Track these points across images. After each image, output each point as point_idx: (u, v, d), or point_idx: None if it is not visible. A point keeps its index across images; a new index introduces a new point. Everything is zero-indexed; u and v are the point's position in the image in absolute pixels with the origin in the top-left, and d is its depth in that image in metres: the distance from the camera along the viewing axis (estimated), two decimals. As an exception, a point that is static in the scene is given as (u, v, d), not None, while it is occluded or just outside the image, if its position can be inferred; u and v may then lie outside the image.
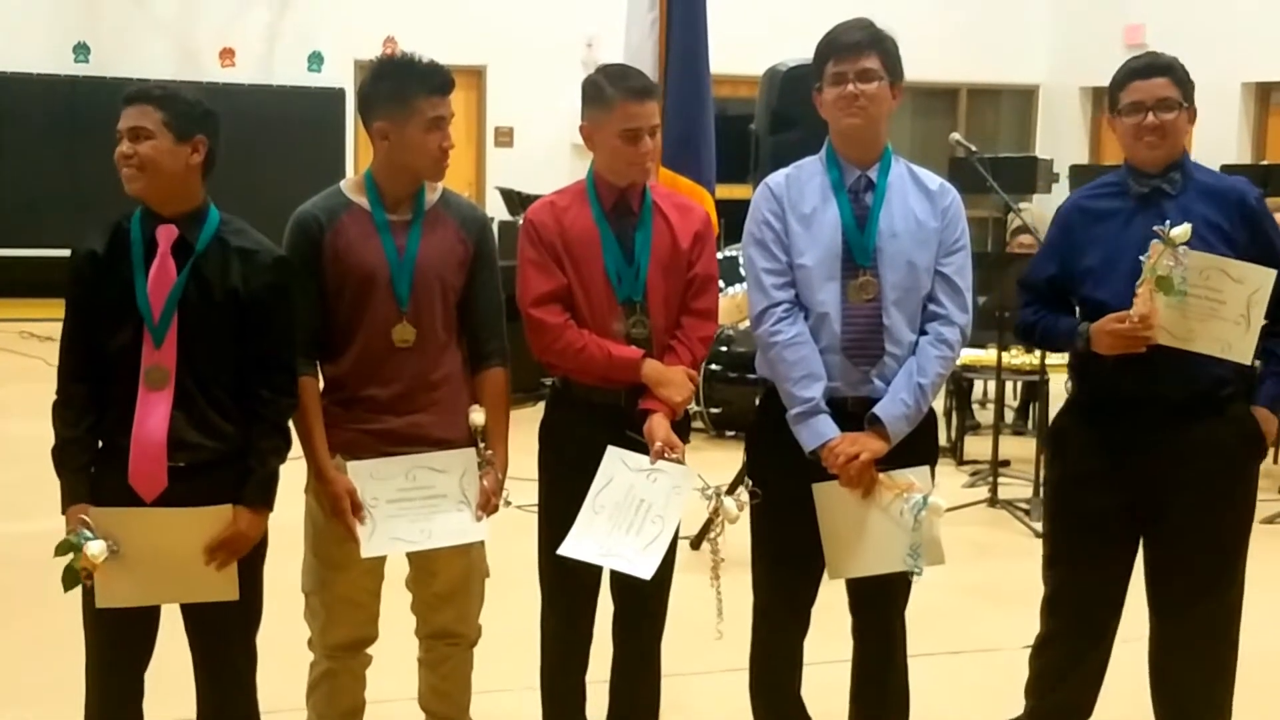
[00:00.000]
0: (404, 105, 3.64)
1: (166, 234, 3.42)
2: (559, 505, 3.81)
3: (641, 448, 3.75)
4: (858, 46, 3.72)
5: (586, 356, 3.80)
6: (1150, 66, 3.83)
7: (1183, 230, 3.63)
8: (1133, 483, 3.85)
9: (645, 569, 3.64)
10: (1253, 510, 3.95)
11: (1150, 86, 3.80)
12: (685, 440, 3.89)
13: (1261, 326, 3.69)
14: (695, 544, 3.96)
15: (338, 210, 3.73)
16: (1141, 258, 3.67)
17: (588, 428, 3.82)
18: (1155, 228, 3.66)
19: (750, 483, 3.63)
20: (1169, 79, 3.79)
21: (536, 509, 3.96)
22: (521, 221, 3.90)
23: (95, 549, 3.30)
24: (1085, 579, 3.98)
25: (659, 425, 3.76)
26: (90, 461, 3.44)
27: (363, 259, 3.70)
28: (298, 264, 3.65)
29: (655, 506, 3.69)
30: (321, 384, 3.79)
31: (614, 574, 3.82)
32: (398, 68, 3.69)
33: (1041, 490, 4.17)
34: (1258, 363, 3.86)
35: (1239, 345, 3.68)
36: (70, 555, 3.30)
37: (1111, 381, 3.84)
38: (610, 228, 3.85)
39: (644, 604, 3.95)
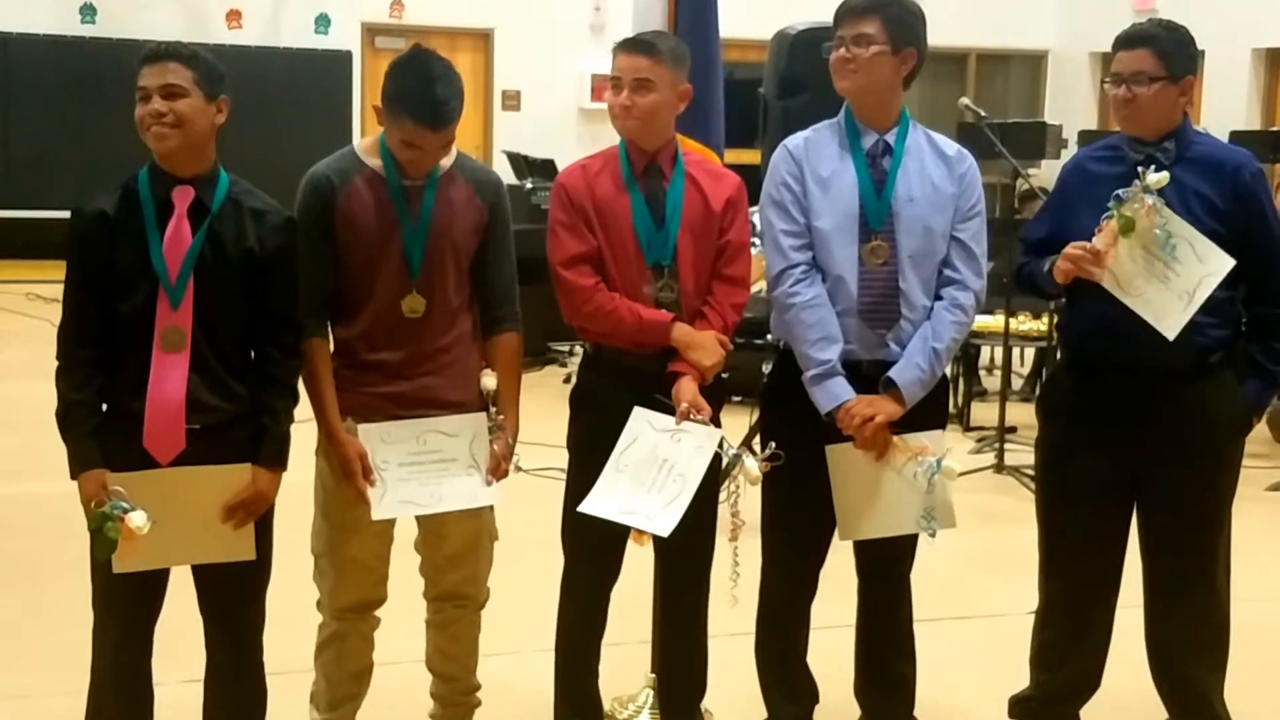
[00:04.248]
0: (390, 113, 3.61)
1: (182, 195, 3.40)
2: (588, 473, 3.79)
3: (669, 411, 3.74)
4: (855, 10, 3.75)
5: (616, 319, 3.79)
6: (1131, 38, 3.80)
7: (1159, 178, 3.63)
8: (1121, 449, 3.85)
9: (664, 526, 3.63)
10: (1236, 478, 3.95)
11: (1128, 58, 3.77)
12: (717, 406, 3.88)
13: (1240, 319, 3.77)
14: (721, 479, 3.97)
15: (350, 172, 3.71)
16: (1111, 202, 3.67)
17: (619, 393, 3.81)
18: (1139, 168, 3.66)
19: (775, 445, 3.63)
20: (1148, 50, 3.74)
21: (545, 474, 3.96)
22: (552, 186, 3.91)
23: (139, 520, 3.26)
24: (1079, 551, 3.97)
25: (686, 387, 3.76)
26: (97, 425, 3.41)
27: (375, 224, 3.68)
28: (310, 225, 3.64)
29: (678, 466, 3.68)
30: (331, 346, 3.78)
31: (657, 541, 3.79)
32: (408, 74, 3.61)
33: (1034, 454, 4.16)
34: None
35: (1171, 320, 3.68)
36: (106, 525, 3.25)
37: (1099, 346, 3.85)
38: (640, 191, 3.84)
39: (689, 570, 3.96)
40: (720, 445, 3.71)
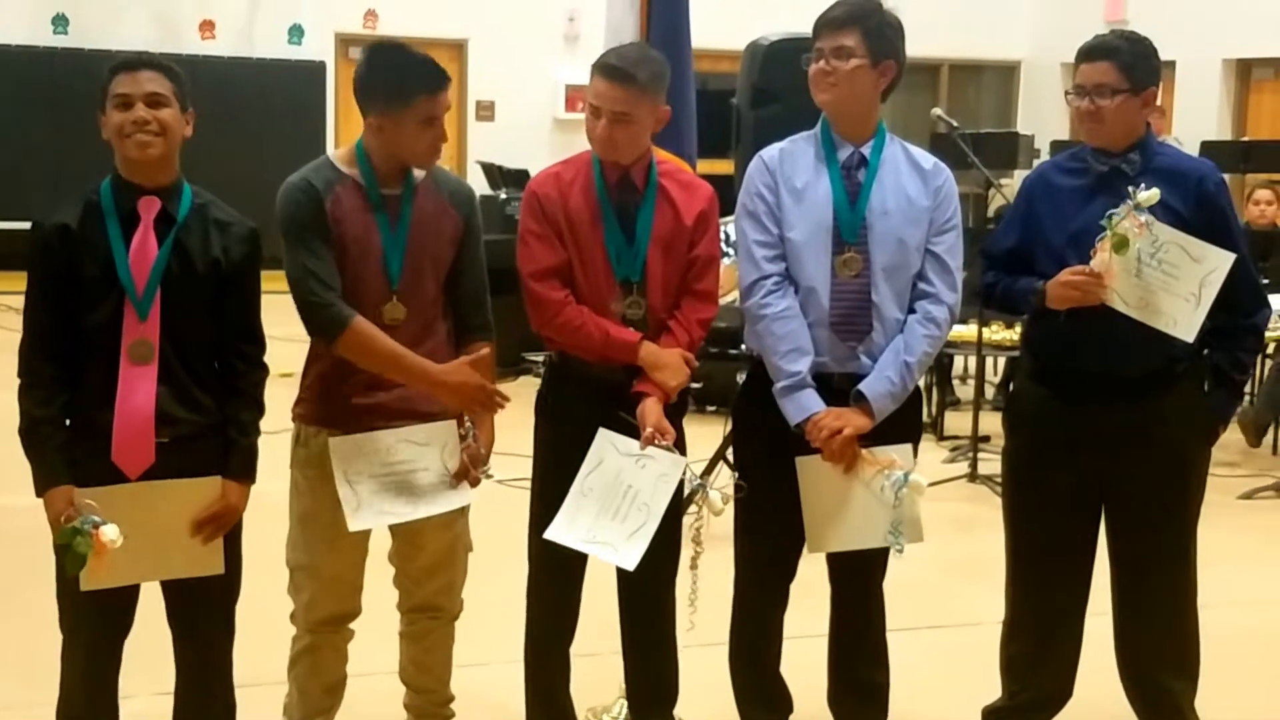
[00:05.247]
0: (399, 103, 3.60)
1: (149, 205, 3.38)
2: (552, 480, 3.79)
3: (633, 429, 3.73)
4: (835, 23, 3.74)
5: (584, 334, 3.78)
6: (1093, 50, 3.81)
7: (1150, 194, 3.63)
8: (1088, 458, 3.85)
9: (629, 559, 3.63)
10: (1204, 486, 3.97)
11: (1090, 71, 3.79)
12: (679, 421, 3.88)
13: (1214, 321, 3.74)
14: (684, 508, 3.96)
15: (331, 181, 3.70)
16: (1104, 221, 3.67)
17: (585, 403, 3.80)
18: (1130, 187, 3.66)
19: (737, 475, 3.63)
20: (1111, 63, 3.75)
21: (519, 484, 3.95)
22: (524, 193, 3.89)
23: (111, 533, 3.22)
24: (1047, 561, 3.97)
25: (651, 410, 3.74)
26: (64, 441, 3.37)
27: (357, 233, 3.67)
28: (307, 223, 3.61)
29: (642, 494, 3.67)
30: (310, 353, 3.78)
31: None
32: (393, 62, 3.64)
33: (1000, 465, 4.16)
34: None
35: (1185, 322, 3.70)
36: (75, 540, 3.21)
37: (1065, 355, 3.85)
38: (612, 205, 3.82)
39: (651, 583, 3.93)
40: (684, 474, 3.71)
